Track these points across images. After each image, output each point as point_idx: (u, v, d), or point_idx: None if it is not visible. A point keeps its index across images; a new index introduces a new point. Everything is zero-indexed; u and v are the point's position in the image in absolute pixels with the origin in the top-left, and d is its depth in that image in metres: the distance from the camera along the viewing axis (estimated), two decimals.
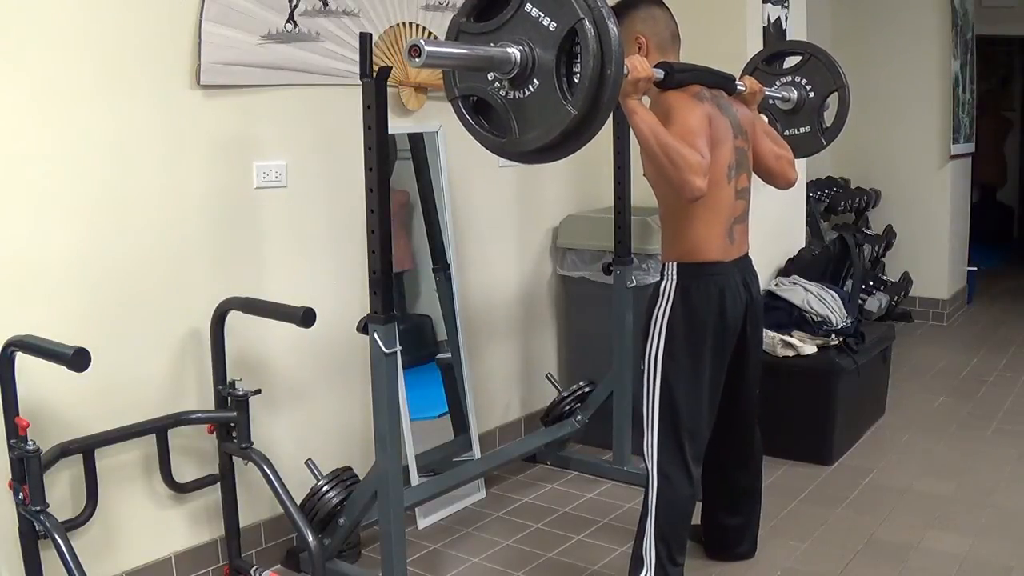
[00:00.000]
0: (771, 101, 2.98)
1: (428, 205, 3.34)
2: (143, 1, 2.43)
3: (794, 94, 2.96)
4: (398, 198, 3.32)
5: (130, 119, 2.43)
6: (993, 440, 3.86)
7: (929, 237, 5.89)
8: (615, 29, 1.76)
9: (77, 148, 2.33)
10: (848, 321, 3.83)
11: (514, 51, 1.82)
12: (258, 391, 2.60)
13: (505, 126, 1.90)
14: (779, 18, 3.97)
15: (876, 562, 2.81)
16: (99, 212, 2.39)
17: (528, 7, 1.81)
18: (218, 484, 2.64)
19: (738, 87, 2.63)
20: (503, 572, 2.82)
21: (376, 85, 2.31)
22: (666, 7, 2.60)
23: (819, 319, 3.80)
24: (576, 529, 3.09)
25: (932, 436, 3.91)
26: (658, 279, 2.53)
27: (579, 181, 3.94)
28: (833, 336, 3.72)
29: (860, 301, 5.11)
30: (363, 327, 2.41)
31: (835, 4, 5.85)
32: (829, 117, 3.08)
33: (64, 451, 2.24)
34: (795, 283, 3.98)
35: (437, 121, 3.27)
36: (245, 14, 2.62)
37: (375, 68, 2.32)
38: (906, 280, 5.83)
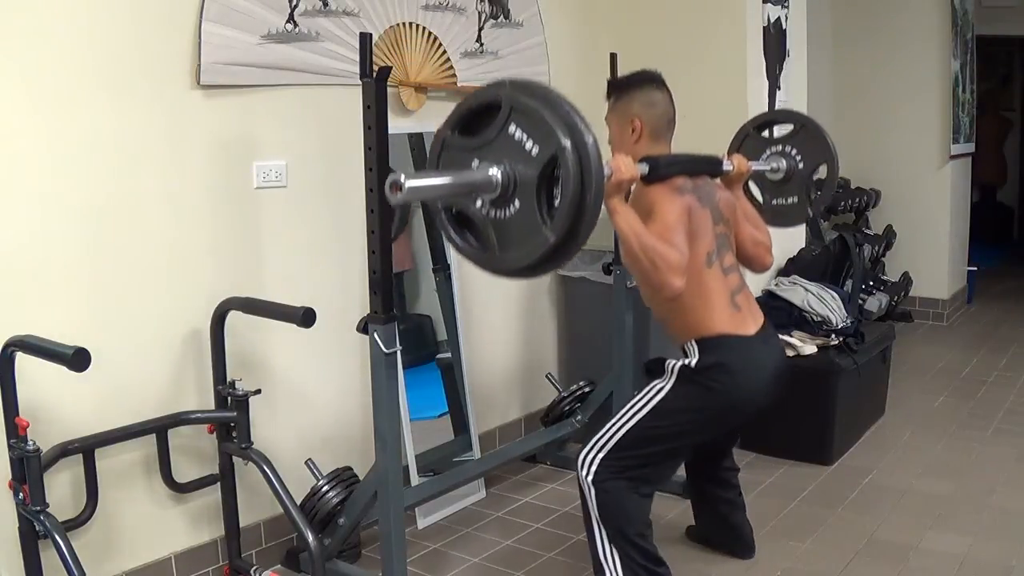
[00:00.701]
0: (761, 172, 2.98)
1: (428, 205, 3.33)
2: (143, 1, 2.43)
3: (783, 164, 2.97)
4: None
5: (130, 119, 2.43)
6: (993, 440, 3.86)
7: (929, 237, 5.89)
8: (596, 156, 1.76)
9: (77, 148, 2.33)
10: (848, 321, 3.83)
11: (496, 173, 1.81)
12: (258, 391, 2.60)
13: (486, 243, 1.90)
14: (779, 18, 3.97)
15: (876, 562, 2.81)
16: (99, 212, 2.39)
17: (512, 128, 1.81)
18: (218, 484, 2.64)
19: (725, 167, 2.65)
20: (503, 572, 2.82)
21: (376, 85, 2.31)
22: (667, 90, 2.60)
23: (819, 319, 3.80)
24: (576, 529, 3.08)
25: (932, 436, 3.91)
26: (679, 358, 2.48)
27: None
28: (833, 336, 3.72)
29: (860, 301, 5.11)
30: (363, 327, 2.41)
31: (835, 4, 5.85)
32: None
33: (64, 451, 2.24)
34: (795, 283, 3.98)
35: (437, 121, 3.25)
36: (245, 14, 2.62)
37: (375, 68, 2.33)
38: (906, 280, 5.83)
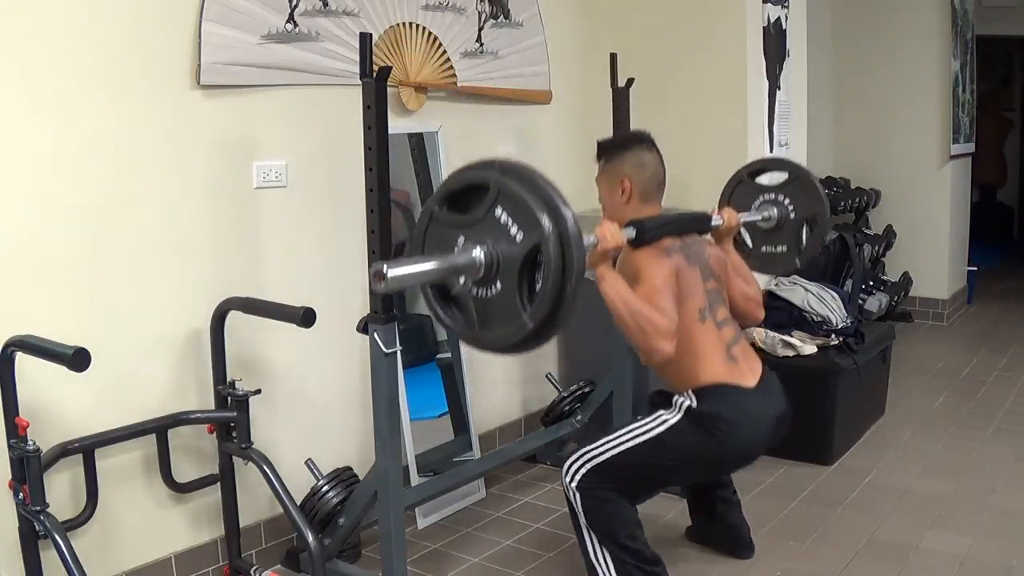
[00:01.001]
0: (752, 221, 2.99)
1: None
2: (143, 1, 2.43)
3: (775, 212, 2.98)
4: (398, 198, 3.32)
5: (130, 119, 2.43)
6: (993, 440, 3.86)
7: (929, 237, 5.89)
8: (580, 248, 1.77)
9: (77, 148, 2.33)
10: (848, 321, 3.83)
11: (479, 255, 1.83)
12: (258, 391, 2.60)
13: (469, 319, 1.92)
14: (779, 18, 3.97)
15: (876, 562, 2.81)
16: (99, 212, 2.39)
17: (499, 211, 1.83)
18: (218, 484, 2.64)
19: (714, 222, 2.66)
20: (503, 572, 2.82)
21: (376, 85, 2.31)
22: (657, 151, 2.61)
23: (819, 319, 3.80)
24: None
25: (932, 436, 3.91)
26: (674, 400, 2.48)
27: (579, 181, 3.94)
28: (833, 336, 3.71)
29: (860, 301, 5.11)
30: (363, 327, 2.41)
31: (835, 4, 5.85)
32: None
33: (64, 451, 2.24)
34: (795, 283, 3.98)
35: (437, 121, 3.27)
36: (245, 14, 2.62)
37: (375, 68, 2.33)
38: (906, 280, 5.83)
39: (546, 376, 3.77)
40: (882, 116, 5.82)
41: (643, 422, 2.46)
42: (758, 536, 2.89)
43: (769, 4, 3.88)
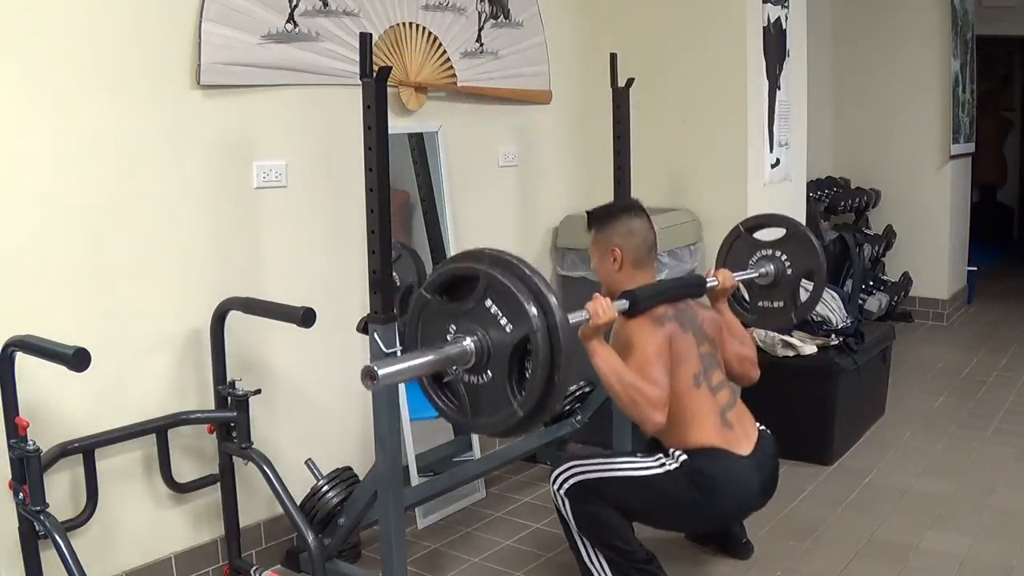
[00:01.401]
0: (748, 279, 3.00)
1: (428, 205, 3.34)
2: (143, 1, 2.43)
3: (772, 268, 2.99)
4: (398, 198, 3.32)
5: (130, 119, 2.43)
6: (993, 440, 3.86)
7: (929, 237, 5.88)
8: (568, 337, 1.81)
9: (77, 148, 2.33)
10: (848, 321, 3.83)
11: (470, 344, 1.89)
12: (258, 391, 2.60)
13: (461, 405, 1.97)
14: (779, 18, 3.97)
15: (876, 562, 2.81)
16: (99, 212, 2.39)
17: (488, 303, 1.88)
18: (218, 484, 2.64)
19: (709, 284, 2.68)
20: (503, 572, 2.82)
21: (376, 85, 2.31)
22: (646, 216, 2.64)
23: (819, 319, 3.80)
24: None
25: (932, 436, 3.91)
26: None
27: (579, 181, 3.94)
28: (833, 336, 3.71)
29: (860, 301, 5.11)
30: (363, 327, 2.41)
31: (835, 4, 5.84)
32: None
33: (64, 451, 2.24)
34: None
35: (437, 121, 3.27)
36: (245, 14, 2.62)
37: (375, 68, 2.33)
38: (906, 280, 5.83)
39: None
40: (882, 116, 5.82)
41: (643, 459, 2.46)
42: (758, 536, 2.89)
43: (769, 4, 3.88)
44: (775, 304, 3.04)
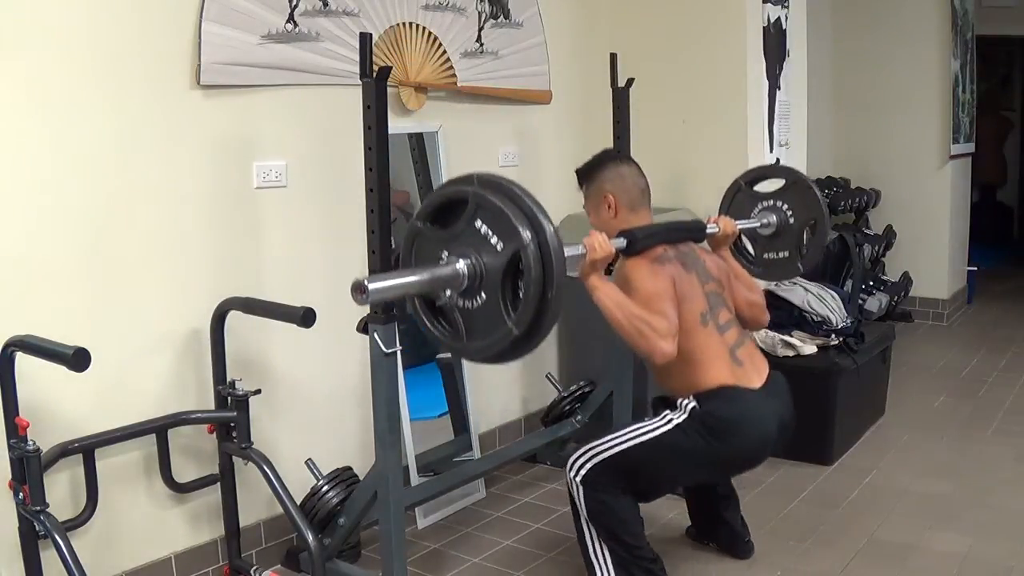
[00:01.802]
0: (751, 228, 2.99)
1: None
2: (143, 1, 2.43)
3: (774, 219, 2.99)
4: (398, 198, 3.32)
5: (130, 119, 2.43)
6: (993, 440, 3.86)
7: (929, 237, 5.89)
8: (560, 254, 1.81)
9: (77, 148, 2.33)
10: (848, 321, 3.83)
11: (462, 266, 1.88)
12: (258, 391, 2.60)
13: (456, 330, 1.96)
14: (779, 18, 3.97)
15: (876, 562, 2.81)
16: (99, 212, 2.39)
17: (478, 223, 1.88)
18: (218, 484, 2.64)
19: (709, 229, 2.66)
20: (503, 572, 2.82)
21: (376, 85, 2.31)
22: (635, 164, 2.64)
23: (819, 319, 3.80)
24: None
25: (932, 436, 3.91)
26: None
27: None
28: (833, 336, 3.71)
29: (860, 301, 5.11)
30: (363, 327, 2.41)
31: (835, 4, 5.85)
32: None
33: (64, 451, 2.24)
34: (795, 283, 3.98)
35: (437, 121, 3.27)
36: (245, 14, 2.62)
37: (375, 68, 2.33)
38: (906, 280, 5.83)
39: (546, 376, 3.77)
40: (882, 116, 5.82)
41: (649, 422, 2.45)
42: (758, 536, 2.89)
43: (769, 4, 3.88)
44: (780, 255, 3.03)
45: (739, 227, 2.80)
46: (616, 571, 2.41)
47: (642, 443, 2.40)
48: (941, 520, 3.08)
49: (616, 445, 2.42)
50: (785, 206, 2.99)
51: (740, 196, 3.07)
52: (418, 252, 2.00)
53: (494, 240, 1.86)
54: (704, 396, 2.41)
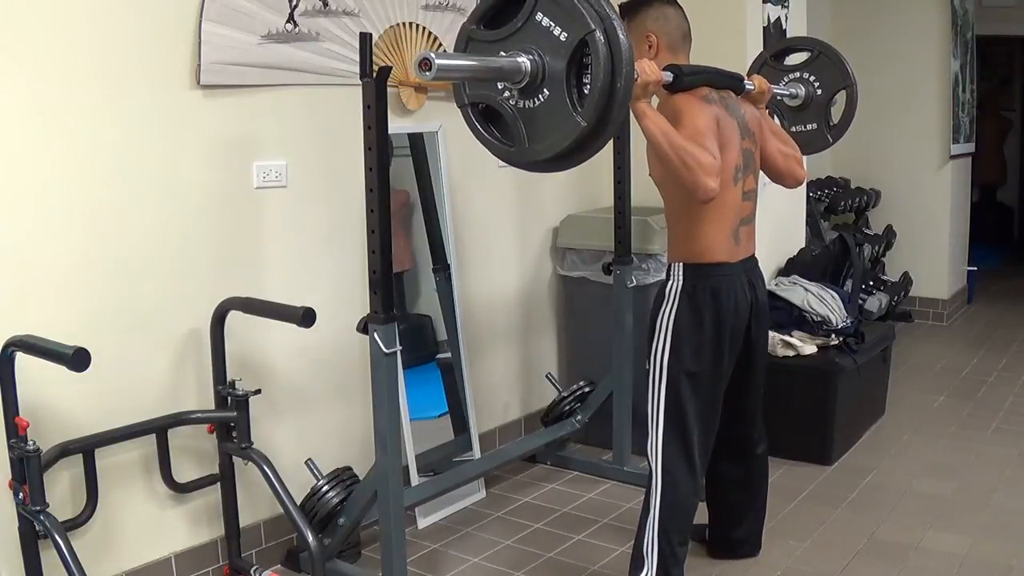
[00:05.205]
0: (779, 98, 2.97)
1: (428, 205, 3.34)
2: (143, 1, 2.43)
3: (802, 91, 2.96)
4: (398, 198, 3.32)
5: (130, 119, 2.43)
6: (993, 440, 3.86)
7: (929, 237, 5.89)
8: (626, 41, 1.77)
9: (77, 148, 2.33)
10: (848, 321, 3.83)
11: (524, 60, 1.82)
12: (258, 391, 2.60)
13: (515, 135, 1.90)
14: (779, 18, 3.97)
15: (876, 562, 2.81)
16: (99, 212, 2.39)
17: (539, 16, 1.82)
18: (218, 484, 2.64)
19: (746, 86, 2.63)
20: (503, 572, 2.82)
21: (376, 85, 2.31)
22: (679, 6, 2.59)
23: (819, 319, 3.80)
24: (576, 529, 3.09)
25: (932, 436, 3.91)
26: (663, 279, 2.53)
27: (579, 181, 3.94)
28: (833, 336, 3.72)
29: (860, 301, 5.10)
30: (363, 327, 2.41)
31: (835, 4, 5.85)
32: (837, 113, 3.07)
33: (64, 451, 2.24)
34: (795, 283, 3.98)
35: (437, 121, 3.27)
36: (245, 14, 2.62)
37: (375, 68, 2.33)
38: (906, 280, 5.83)
39: (546, 376, 3.77)
40: (882, 116, 5.81)
41: (650, 372, 2.47)
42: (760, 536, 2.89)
43: (769, 4, 3.88)
44: (808, 127, 3.00)
45: (773, 90, 2.76)
46: (658, 571, 2.44)
47: (668, 383, 2.44)
48: (941, 520, 3.08)
49: (658, 405, 2.45)
50: (812, 77, 2.95)
51: (765, 70, 3.02)
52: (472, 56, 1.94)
53: (557, 31, 1.79)
54: (691, 270, 2.44)
